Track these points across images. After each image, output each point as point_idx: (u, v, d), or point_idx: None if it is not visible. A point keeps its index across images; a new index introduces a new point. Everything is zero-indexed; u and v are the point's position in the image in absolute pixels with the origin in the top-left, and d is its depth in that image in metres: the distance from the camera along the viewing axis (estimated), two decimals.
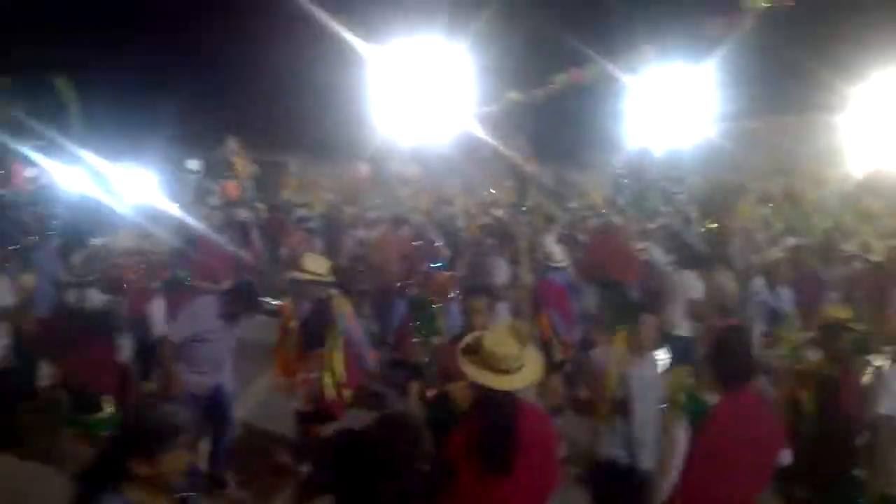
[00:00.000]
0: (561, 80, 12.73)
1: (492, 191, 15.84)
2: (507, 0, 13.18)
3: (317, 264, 5.72)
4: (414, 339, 4.67)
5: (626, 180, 14.83)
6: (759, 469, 3.60)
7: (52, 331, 5.92)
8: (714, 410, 3.49)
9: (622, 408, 4.35)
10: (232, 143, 15.11)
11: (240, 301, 5.54)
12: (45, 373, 5.84)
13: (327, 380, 5.54)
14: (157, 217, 8.93)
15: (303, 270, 5.62)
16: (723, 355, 3.60)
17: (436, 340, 4.48)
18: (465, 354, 3.39)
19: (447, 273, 5.15)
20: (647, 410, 4.36)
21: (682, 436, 3.51)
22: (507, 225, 9.94)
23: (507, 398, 3.29)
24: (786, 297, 6.64)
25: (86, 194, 8.62)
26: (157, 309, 6.63)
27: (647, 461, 4.29)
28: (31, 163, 8.02)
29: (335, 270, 5.87)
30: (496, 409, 3.27)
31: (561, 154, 16.77)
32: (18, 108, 6.90)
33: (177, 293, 6.97)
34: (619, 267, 7.48)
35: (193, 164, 15.63)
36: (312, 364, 5.60)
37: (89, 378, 5.55)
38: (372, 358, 5.73)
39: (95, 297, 6.00)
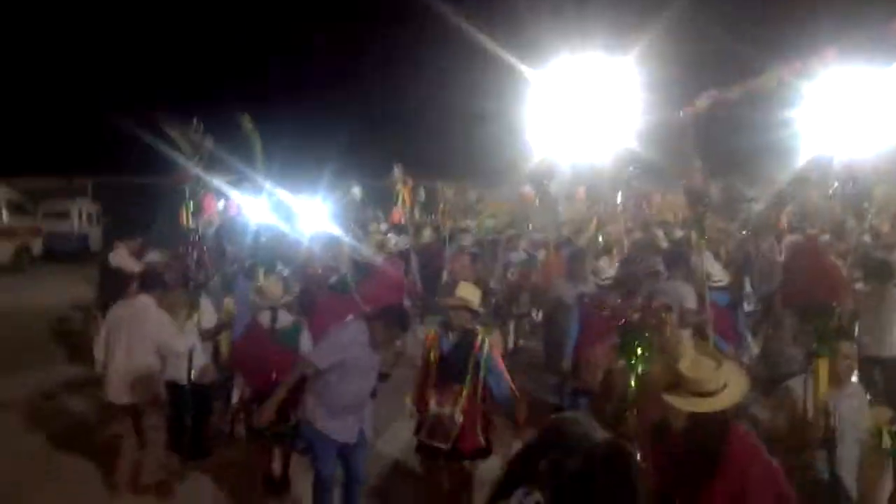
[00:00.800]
0: (736, 90, 12.12)
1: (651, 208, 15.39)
2: (673, 11, 12.78)
3: (469, 292, 5.56)
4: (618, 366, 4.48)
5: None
6: None
7: (245, 349, 6.52)
8: None
9: (826, 442, 4.08)
10: (398, 171, 15.47)
11: (390, 326, 5.34)
12: (239, 387, 6.36)
13: (458, 417, 5.34)
14: (329, 244, 9.30)
15: (455, 297, 5.49)
16: None
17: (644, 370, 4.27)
18: (665, 387, 3.25)
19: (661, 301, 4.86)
20: (849, 445, 4.14)
21: (888, 481, 3.25)
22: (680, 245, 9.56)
23: (717, 420, 3.19)
24: None
25: (269, 224, 9.11)
26: None
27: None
28: (220, 195, 8.61)
29: (486, 295, 5.84)
30: (705, 431, 3.18)
31: (732, 167, 16.00)
32: (209, 145, 7.35)
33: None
34: (824, 288, 6.89)
35: (356, 191, 16.22)
36: (446, 399, 5.41)
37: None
38: (512, 394, 5.44)
39: (284, 318, 6.50)
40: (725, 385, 3.17)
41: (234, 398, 6.66)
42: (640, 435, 3.79)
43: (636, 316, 4.83)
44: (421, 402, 5.55)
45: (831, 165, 14.20)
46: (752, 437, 3.44)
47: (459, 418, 5.33)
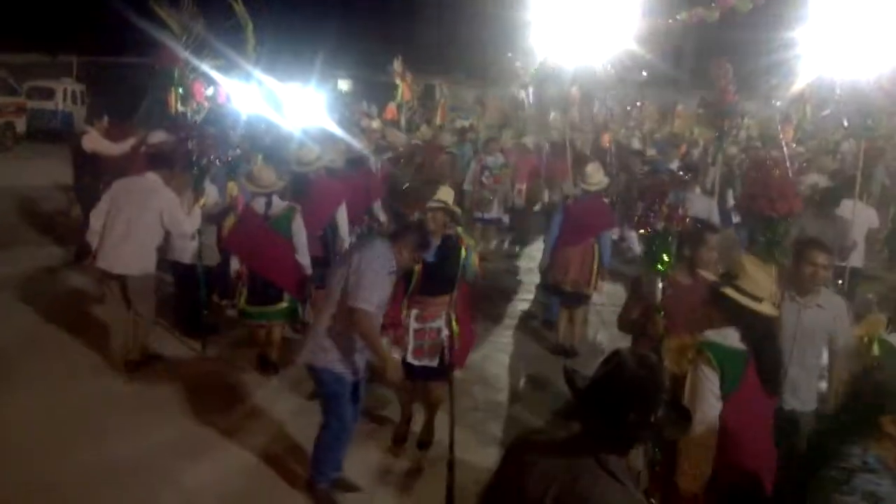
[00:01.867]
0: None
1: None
2: None
3: (447, 193, 5.26)
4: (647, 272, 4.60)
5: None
6: None
7: (240, 234, 6.82)
8: None
9: None
10: (397, 65, 15.00)
11: (416, 248, 4.80)
12: (234, 266, 6.60)
13: (445, 330, 5.18)
14: (321, 137, 9.19)
15: (434, 199, 5.14)
16: None
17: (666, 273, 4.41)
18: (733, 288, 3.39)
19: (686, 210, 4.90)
20: (804, 354, 4.33)
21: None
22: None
23: (771, 322, 3.47)
24: None
25: (261, 114, 8.96)
26: (342, 215, 7.46)
27: (799, 405, 4.35)
28: (210, 81, 8.40)
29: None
30: (768, 333, 3.44)
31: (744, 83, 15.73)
32: (199, 29, 7.12)
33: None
34: (778, 201, 7.06)
35: (344, 84, 15.84)
36: (431, 312, 5.23)
37: (271, 274, 6.55)
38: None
39: (277, 204, 6.70)
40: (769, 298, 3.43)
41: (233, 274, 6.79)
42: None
43: (661, 223, 4.83)
44: (396, 320, 5.20)
45: (832, 87, 13.94)
46: None
47: (446, 332, 5.20)
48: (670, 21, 12.49)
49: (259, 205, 6.64)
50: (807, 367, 4.40)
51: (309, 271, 6.74)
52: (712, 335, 3.34)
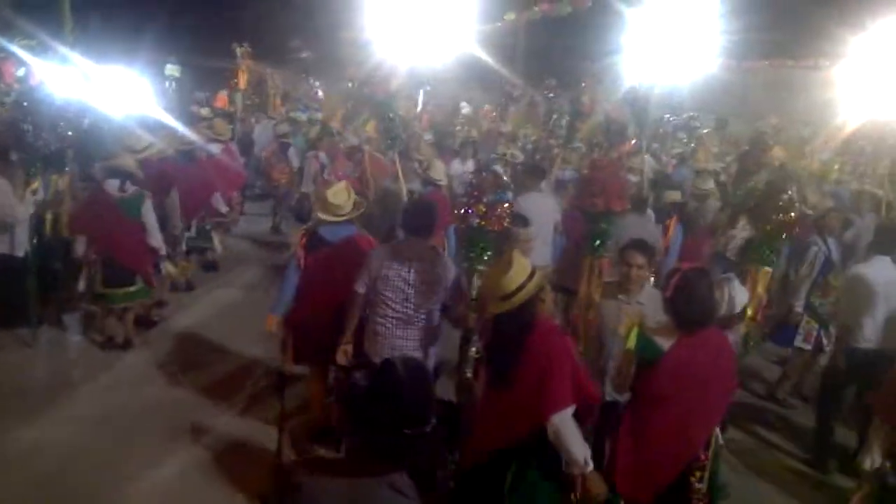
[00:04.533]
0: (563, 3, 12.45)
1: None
2: None
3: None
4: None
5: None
6: (708, 411, 3.75)
7: (89, 214, 6.71)
8: (668, 352, 3.63)
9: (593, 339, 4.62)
10: (240, 52, 14.52)
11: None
12: (79, 249, 6.59)
13: None
14: (149, 125, 8.74)
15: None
16: (683, 298, 3.69)
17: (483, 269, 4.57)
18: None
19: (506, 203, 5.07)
20: (614, 343, 4.52)
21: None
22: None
23: (516, 319, 3.54)
24: (834, 247, 6.85)
25: (86, 104, 8.37)
26: (173, 200, 7.58)
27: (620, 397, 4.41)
28: (20, 61, 7.75)
29: None
30: (505, 328, 3.58)
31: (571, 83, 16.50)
32: (6, 5, 6.56)
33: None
34: (606, 198, 7.54)
35: (173, 69, 15.13)
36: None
37: (122, 256, 6.62)
38: None
39: (130, 188, 6.68)
40: (516, 290, 3.51)
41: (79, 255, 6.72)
42: (482, 333, 4.18)
43: (479, 220, 4.98)
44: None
45: (650, 92, 14.91)
46: (554, 325, 3.89)
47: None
48: (499, 24, 12.97)
49: (112, 187, 6.64)
50: None
51: (162, 252, 6.99)
52: None
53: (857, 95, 13.29)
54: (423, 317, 4.65)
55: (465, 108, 14.97)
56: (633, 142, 12.59)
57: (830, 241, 6.87)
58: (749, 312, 4.99)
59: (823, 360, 6.70)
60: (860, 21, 11.98)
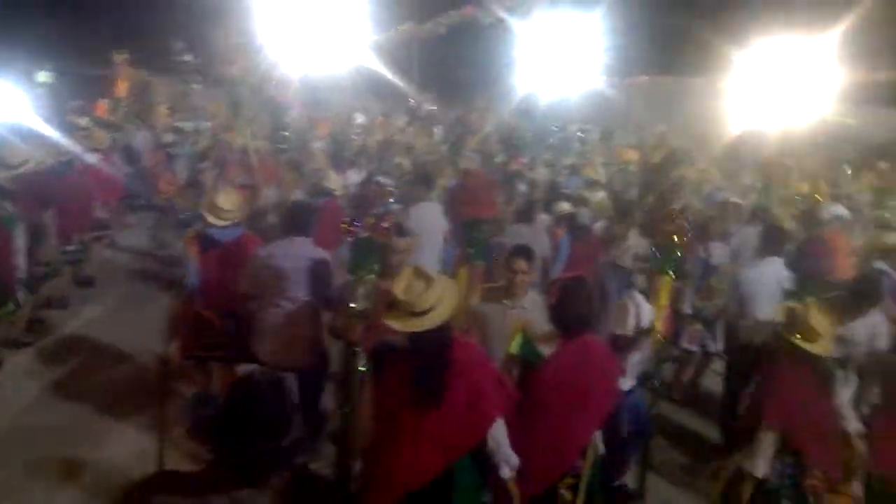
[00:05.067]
0: (452, 15, 12.62)
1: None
2: None
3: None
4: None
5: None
6: (589, 415, 3.80)
7: None
8: (549, 357, 3.70)
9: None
10: (118, 59, 13.87)
11: None
12: None
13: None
14: (24, 135, 8.26)
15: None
16: (564, 304, 3.80)
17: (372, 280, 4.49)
18: (386, 307, 3.51)
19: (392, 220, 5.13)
20: (500, 348, 4.40)
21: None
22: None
23: (438, 336, 3.40)
24: (718, 252, 7.08)
25: None
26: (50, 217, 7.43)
27: None
28: None
29: None
30: (427, 346, 3.41)
31: (464, 95, 16.72)
32: None
33: None
34: (479, 206, 7.64)
35: (46, 76, 14.35)
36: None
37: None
38: None
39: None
40: (434, 305, 3.38)
41: None
42: (368, 351, 4.02)
43: (367, 232, 4.95)
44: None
45: (540, 104, 15.30)
46: (471, 341, 3.87)
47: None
48: (393, 34, 13.02)
49: None
50: None
51: (21, 275, 6.64)
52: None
53: (736, 108, 14.14)
54: (304, 314, 4.95)
55: (360, 118, 14.87)
56: (527, 153, 12.90)
57: (713, 245, 7.17)
58: (657, 325, 5.02)
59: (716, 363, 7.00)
60: (739, 37, 12.74)
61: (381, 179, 8.29)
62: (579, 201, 8.78)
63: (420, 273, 3.52)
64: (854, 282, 5.55)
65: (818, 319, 4.12)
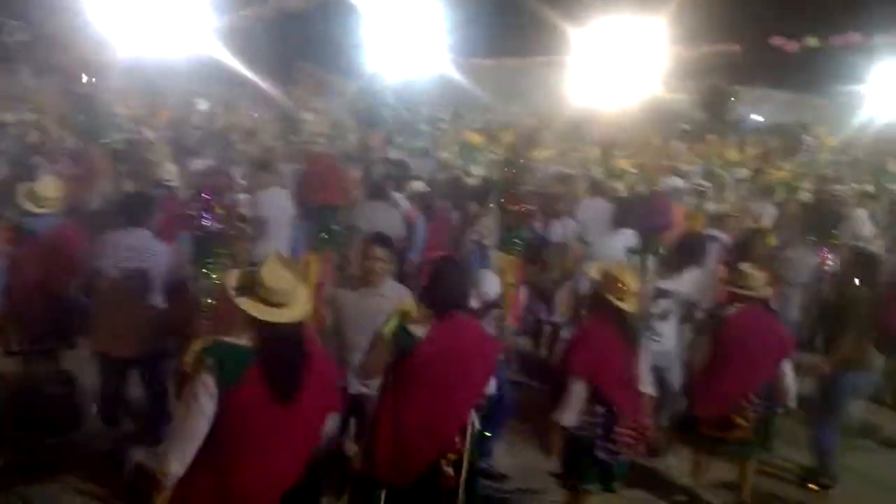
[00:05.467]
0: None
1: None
2: None
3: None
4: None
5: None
6: (466, 393, 3.85)
7: None
8: (424, 339, 3.68)
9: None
10: None
11: None
12: None
13: None
14: None
15: None
16: (437, 285, 3.80)
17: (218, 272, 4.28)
18: (240, 290, 3.23)
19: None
20: (360, 339, 4.37)
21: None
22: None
23: (298, 328, 3.28)
24: (560, 229, 7.23)
25: None
26: None
27: (366, 389, 4.42)
28: None
29: None
30: (285, 341, 3.24)
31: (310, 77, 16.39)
32: None
33: None
34: (330, 192, 7.60)
35: None
36: None
37: None
38: None
39: None
40: (297, 296, 3.27)
41: None
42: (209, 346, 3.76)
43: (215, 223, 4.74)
44: None
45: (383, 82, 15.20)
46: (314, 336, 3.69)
47: None
48: (235, 18, 12.59)
49: None
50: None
51: None
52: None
53: (577, 86, 14.72)
54: (141, 305, 4.78)
55: (203, 105, 14.29)
56: (380, 134, 12.85)
57: (556, 222, 7.41)
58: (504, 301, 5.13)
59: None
60: (578, 17, 13.25)
61: (222, 168, 8.00)
62: (432, 182, 8.88)
63: (284, 261, 3.39)
64: (679, 243, 5.98)
65: (628, 279, 4.35)
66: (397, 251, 5.98)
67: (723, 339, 5.00)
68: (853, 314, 5.48)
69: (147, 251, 4.91)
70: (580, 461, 4.33)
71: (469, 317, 4.03)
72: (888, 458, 6.29)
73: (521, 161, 10.69)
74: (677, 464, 5.59)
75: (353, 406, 4.47)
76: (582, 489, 4.41)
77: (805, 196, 10.08)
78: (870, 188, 11.82)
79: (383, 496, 3.75)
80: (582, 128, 13.58)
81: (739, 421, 4.95)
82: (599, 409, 4.26)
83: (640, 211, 7.44)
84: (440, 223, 7.84)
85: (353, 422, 4.54)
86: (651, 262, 6.29)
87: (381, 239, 4.67)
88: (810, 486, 5.59)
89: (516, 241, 5.46)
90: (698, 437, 5.12)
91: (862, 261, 5.96)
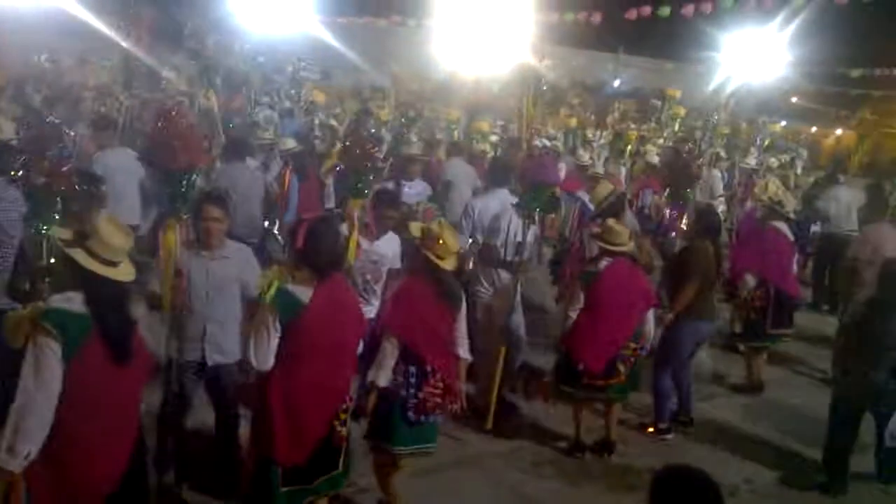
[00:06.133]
0: None
1: None
2: None
3: None
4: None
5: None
6: (349, 355, 3.92)
7: None
8: (310, 303, 3.63)
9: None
10: None
11: None
12: None
13: None
14: None
15: None
16: (317, 246, 3.72)
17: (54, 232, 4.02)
18: (70, 241, 3.12)
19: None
20: (215, 307, 4.38)
21: (270, 329, 3.56)
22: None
23: (126, 291, 3.22)
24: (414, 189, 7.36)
25: None
26: None
27: (222, 358, 4.41)
28: None
29: None
30: (119, 301, 3.18)
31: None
32: None
33: None
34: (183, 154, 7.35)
35: None
36: None
37: None
38: None
39: None
40: (125, 261, 3.20)
41: None
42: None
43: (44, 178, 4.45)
44: None
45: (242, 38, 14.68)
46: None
47: None
48: None
49: None
50: (220, 320, 4.42)
51: None
52: (57, 299, 3.10)
53: (444, 50, 14.76)
54: None
55: (45, 61, 13.27)
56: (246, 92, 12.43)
57: (408, 183, 7.46)
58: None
59: None
60: None
61: (57, 121, 7.56)
62: (302, 140, 8.79)
63: (117, 223, 3.27)
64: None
65: (448, 237, 4.36)
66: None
67: (598, 291, 5.28)
68: (695, 266, 5.91)
69: None
70: (391, 421, 4.28)
71: (341, 275, 4.02)
72: (732, 402, 6.90)
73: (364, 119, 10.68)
74: (558, 413, 5.90)
75: (211, 378, 4.45)
76: (393, 451, 4.35)
77: (653, 158, 10.60)
78: (721, 150, 12.65)
79: (280, 472, 3.64)
80: (449, 90, 13.70)
81: (620, 367, 5.30)
82: (411, 369, 4.27)
83: (528, 166, 7.61)
84: (311, 183, 7.79)
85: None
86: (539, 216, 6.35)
87: (214, 198, 4.56)
88: (651, 430, 6.08)
89: (361, 186, 5.45)
90: (581, 388, 5.40)
91: (704, 217, 6.42)
